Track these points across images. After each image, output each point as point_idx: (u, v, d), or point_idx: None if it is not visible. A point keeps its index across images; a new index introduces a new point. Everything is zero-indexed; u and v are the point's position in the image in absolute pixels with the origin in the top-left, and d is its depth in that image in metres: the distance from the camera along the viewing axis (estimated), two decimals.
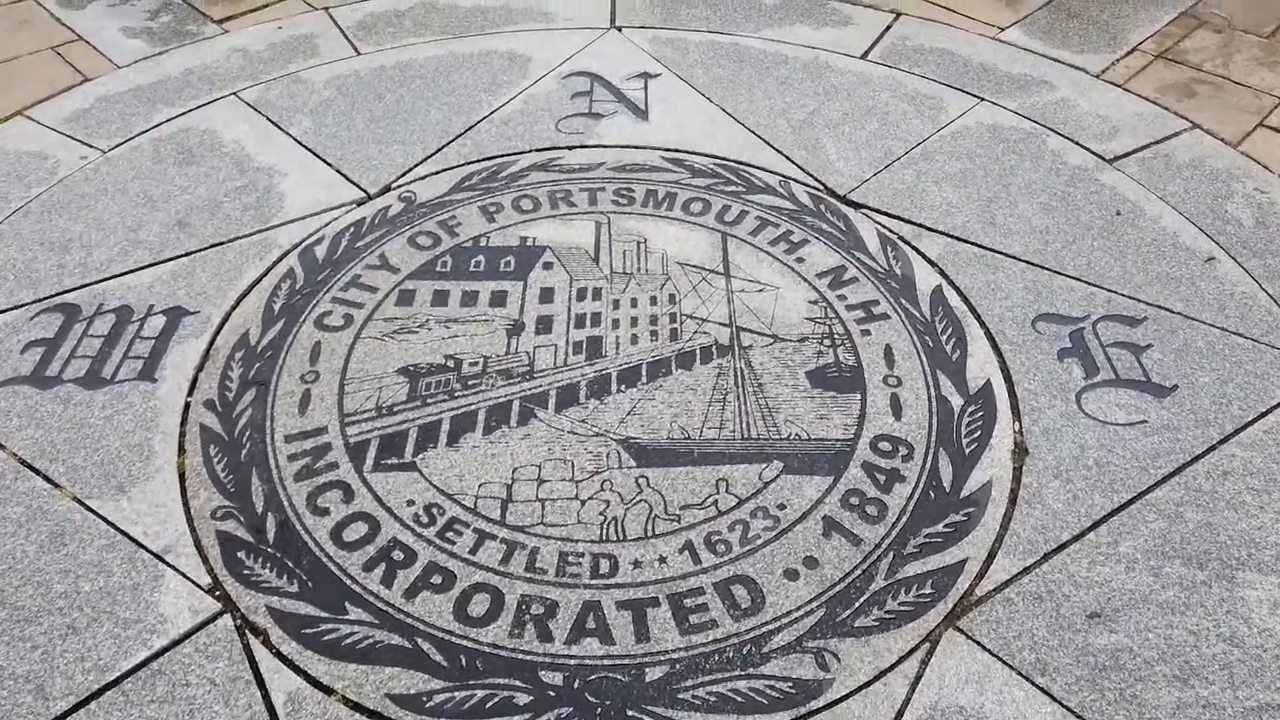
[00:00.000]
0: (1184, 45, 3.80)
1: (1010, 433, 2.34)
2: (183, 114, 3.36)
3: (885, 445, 2.31)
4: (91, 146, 3.19)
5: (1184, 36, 3.87)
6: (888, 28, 3.96)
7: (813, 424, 2.36)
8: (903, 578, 2.04)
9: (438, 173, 3.17)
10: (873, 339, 2.60)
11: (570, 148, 3.30)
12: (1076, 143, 3.30)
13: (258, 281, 2.73)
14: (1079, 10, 4.06)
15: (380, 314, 2.65)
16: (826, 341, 2.59)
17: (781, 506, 2.17)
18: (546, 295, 2.73)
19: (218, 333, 2.57)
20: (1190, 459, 2.28)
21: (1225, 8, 4.04)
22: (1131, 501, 2.18)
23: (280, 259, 2.80)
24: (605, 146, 3.31)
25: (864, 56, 3.78)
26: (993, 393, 2.44)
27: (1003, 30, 3.94)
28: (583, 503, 2.18)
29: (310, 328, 2.60)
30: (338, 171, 3.14)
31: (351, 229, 2.93)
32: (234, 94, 3.47)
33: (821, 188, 3.12)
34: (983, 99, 3.52)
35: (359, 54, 3.73)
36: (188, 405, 2.38)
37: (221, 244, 2.84)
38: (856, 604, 1.99)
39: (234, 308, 2.65)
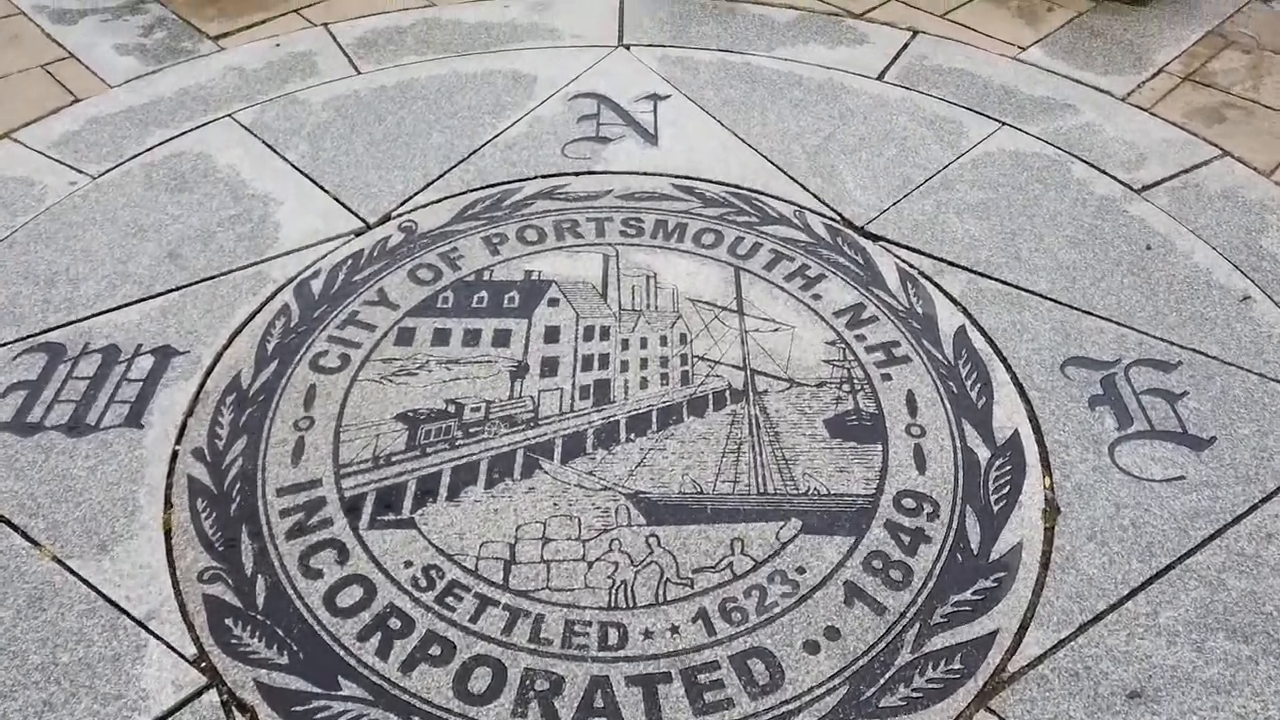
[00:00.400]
0: (1212, 67, 3.68)
1: (1040, 488, 2.22)
2: (176, 137, 3.24)
3: (909, 502, 2.19)
4: (81, 172, 3.07)
5: (1212, 57, 3.74)
6: (905, 46, 3.83)
7: (832, 478, 2.24)
8: (930, 651, 1.92)
9: (439, 201, 3.05)
10: (894, 384, 2.48)
11: (577, 174, 3.19)
12: (1103, 171, 3.18)
13: (251, 318, 2.61)
14: (1102, 29, 3.93)
15: (378, 354, 2.54)
16: (845, 386, 2.47)
17: (800, 570, 2.05)
18: (552, 334, 2.62)
19: (208, 374, 2.45)
20: (1231, 519, 2.16)
21: (1253, 27, 3.91)
22: (1171, 567, 2.06)
23: (275, 294, 2.69)
24: (613, 173, 3.19)
25: (880, 77, 3.65)
26: (1021, 444, 2.32)
27: (1024, 50, 3.81)
28: (590, 565, 2.06)
29: (305, 369, 2.48)
30: (335, 199, 3.03)
31: (349, 261, 2.81)
32: (229, 115, 3.35)
33: (838, 218, 3.00)
34: (1004, 123, 3.40)
35: (359, 73, 3.61)
36: (175, 454, 2.27)
37: (214, 277, 2.73)
38: (882, 681, 1.87)
39: (226, 347, 2.53)
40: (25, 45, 3.64)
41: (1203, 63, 3.71)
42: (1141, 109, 3.46)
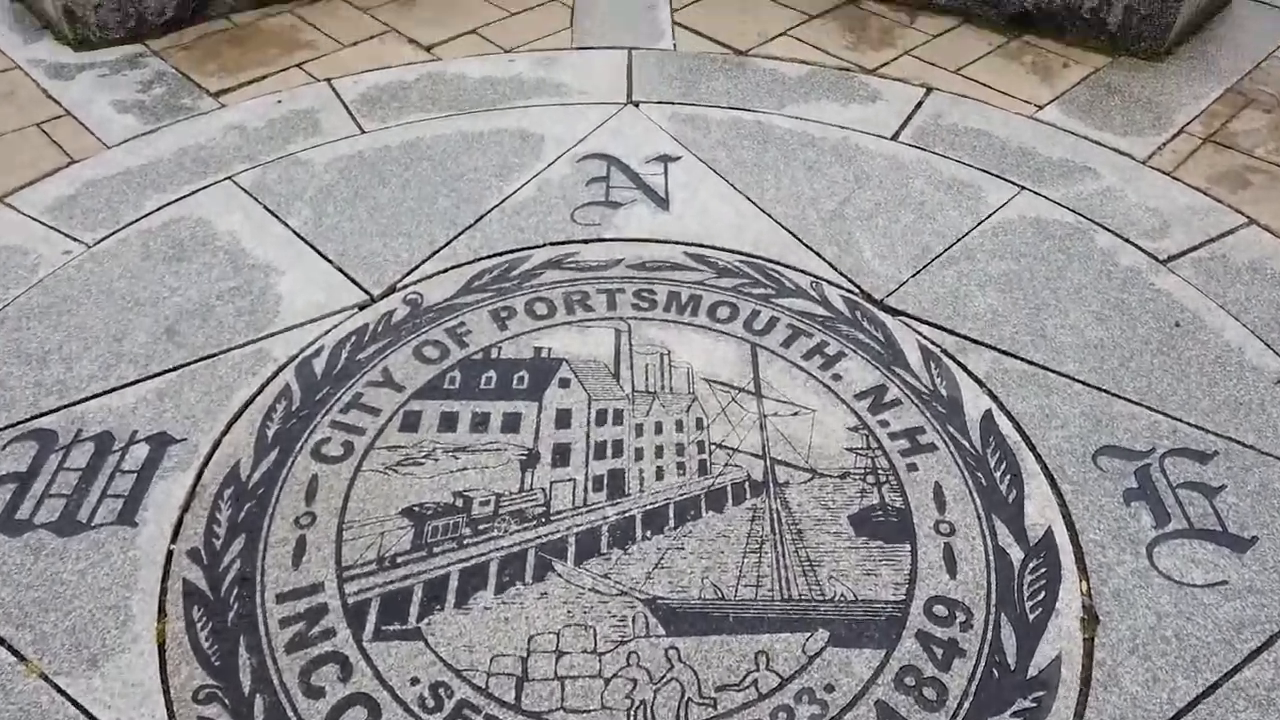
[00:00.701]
0: (1233, 127, 3.61)
1: (1078, 594, 2.12)
2: (174, 201, 3.16)
3: (941, 610, 2.09)
4: (76, 240, 2.98)
5: (1232, 116, 3.67)
6: (919, 105, 3.76)
7: (859, 581, 2.14)
8: None
9: (445, 270, 2.96)
10: (920, 475, 2.38)
11: (587, 241, 3.10)
12: (1127, 240, 3.10)
13: (251, 401, 2.52)
14: (1120, 86, 3.87)
15: (383, 441, 2.44)
16: (870, 478, 2.38)
17: (829, 688, 1.95)
18: (563, 419, 2.52)
19: (206, 464, 2.35)
20: (1279, 630, 2.06)
21: (1272, 85, 3.85)
22: (1218, 685, 1.96)
23: (276, 374, 2.59)
24: (624, 240, 3.11)
25: (895, 137, 3.58)
26: (1055, 544, 2.23)
27: (1040, 108, 3.74)
28: (606, 681, 1.96)
29: (307, 458, 2.38)
30: (339, 269, 2.94)
31: (353, 338, 2.72)
32: (229, 178, 3.27)
33: (857, 291, 2.92)
34: (1024, 188, 3.32)
35: (363, 132, 3.53)
36: (170, 554, 2.16)
37: (213, 356, 2.63)
38: None
39: (224, 433, 2.43)
40: (21, 102, 3.56)
41: (1223, 122, 3.64)
42: (1163, 173, 3.39)
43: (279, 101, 3.67)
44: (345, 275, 2.92)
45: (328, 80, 3.80)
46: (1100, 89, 3.85)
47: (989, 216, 3.20)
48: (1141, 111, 3.72)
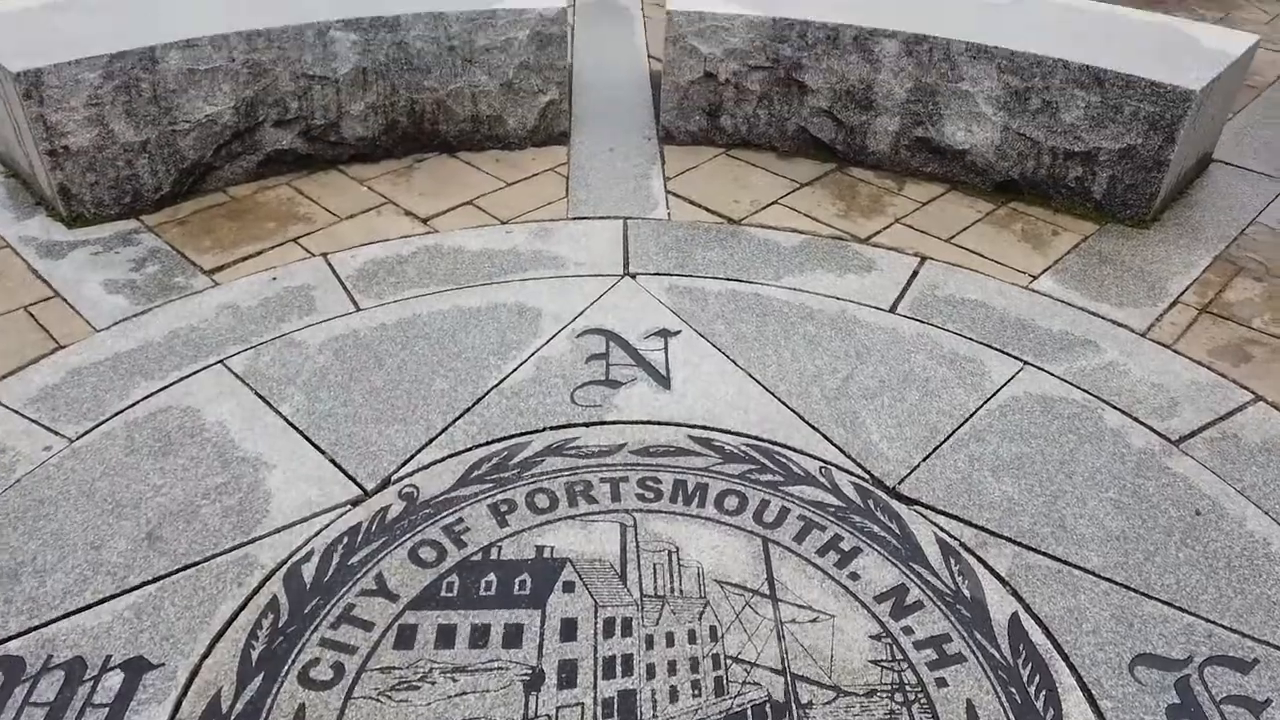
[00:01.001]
0: (1227, 297, 3.64)
1: None
2: (163, 388, 3.07)
3: None
4: (58, 434, 2.87)
5: (1225, 286, 3.71)
6: (914, 274, 3.79)
7: None
8: None
9: (443, 459, 2.86)
10: (951, 692, 2.24)
11: (588, 425, 3.02)
12: (1136, 419, 3.05)
13: (235, 616, 2.36)
14: (1110, 254, 3.92)
15: (376, 661, 2.28)
16: (898, 695, 2.23)
17: None
18: (569, 630, 2.38)
19: (184, 694, 2.18)
20: None
21: (1261, 252, 3.91)
22: None
23: (263, 584, 2.45)
24: (626, 423, 3.03)
25: (893, 309, 3.58)
26: None
27: (1035, 278, 3.77)
28: None
29: (294, 684, 2.22)
30: (331, 461, 2.83)
31: (345, 539, 2.59)
32: (221, 362, 3.20)
33: (867, 477, 2.84)
34: (1026, 363, 3.30)
35: (359, 309, 3.49)
36: None
37: (196, 564, 2.49)
38: None
39: (205, 655, 2.27)
40: (9, 283, 3.51)
41: (1217, 292, 3.67)
42: (1164, 345, 3.39)
43: (274, 279, 3.64)
44: (338, 467, 2.82)
45: (324, 255, 3.79)
46: (1092, 258, 3.90)
47: (994, 394, 3.16)
48: (1135, 281, 3.75)
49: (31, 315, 3.35)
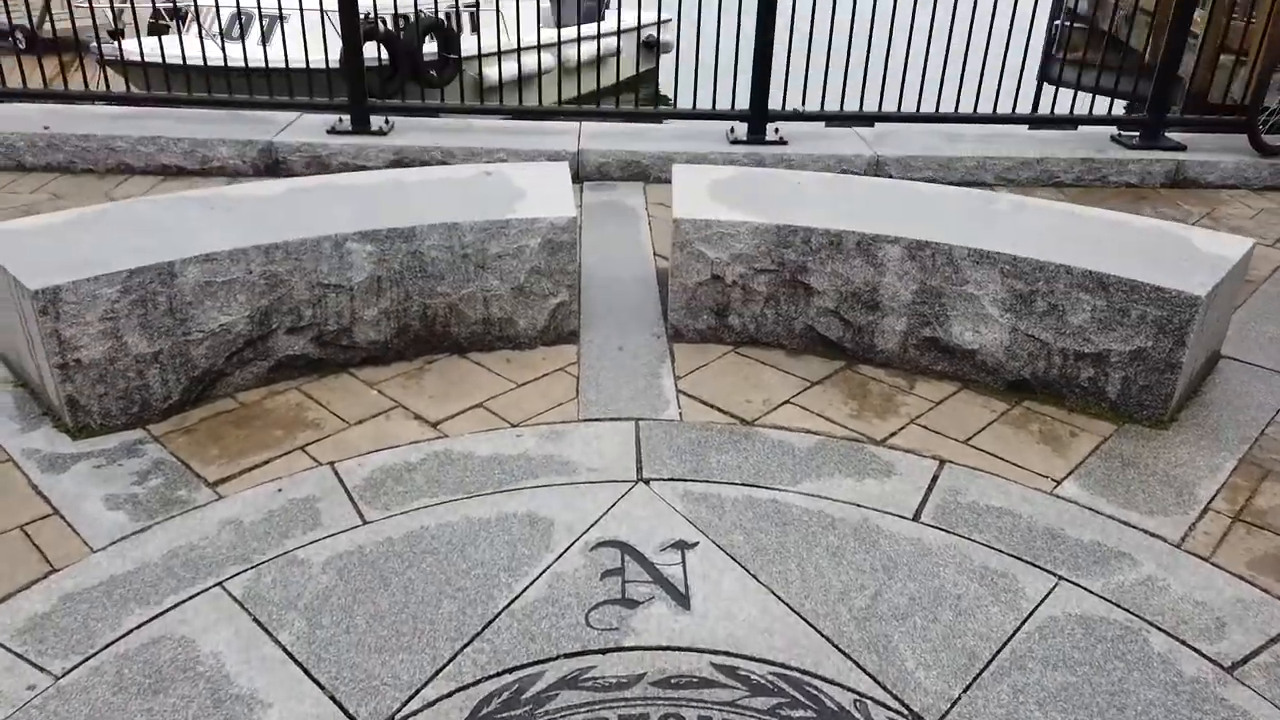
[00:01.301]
0: (1258, 503, 3.55)
1: None
2: (158, 615, 2.91)
3: None
4: (44, 670, 2.70)
5: (1254, 491, 3.62)
6: (934, 479, 3.70)
7: None
8: None
9: (450, 695, 2.68)
10: None
11: (604, 651, 2.85)
12: (1183, 642, 2.89)
13: None
14: (1132, 457, 3.85)
15: None
16: None
17: None
18: None
19: None
20: None
21: None
22: None
23: None
24: (644, 649, 2.86)
25: (916, 518, 3.47)
26: None
27: (1059, 483, 3.69)
28: None
29: None
30: (332, 699, 2.65)
31: None
32: (220, 584, 3.05)
33: (906, 713, 2.64)
34: (1061, 578, 3.16)
35: (365, 522, 3.38)
36: None
37: None
38: None
39: None
40: (8, 501, 3.41)
41: (1247, 498, 3.58)
42: (1201, 558, 3.26)
43: (279, 490, 3.55)
44: (338, 705, 2.63)
45: (331, 464, 3.71)
46: (1114, 461, 3.83)
47: (1031, 613, 3.01)
48: (1162, 487, 3.67)
49: (28, 535, 3.23)
